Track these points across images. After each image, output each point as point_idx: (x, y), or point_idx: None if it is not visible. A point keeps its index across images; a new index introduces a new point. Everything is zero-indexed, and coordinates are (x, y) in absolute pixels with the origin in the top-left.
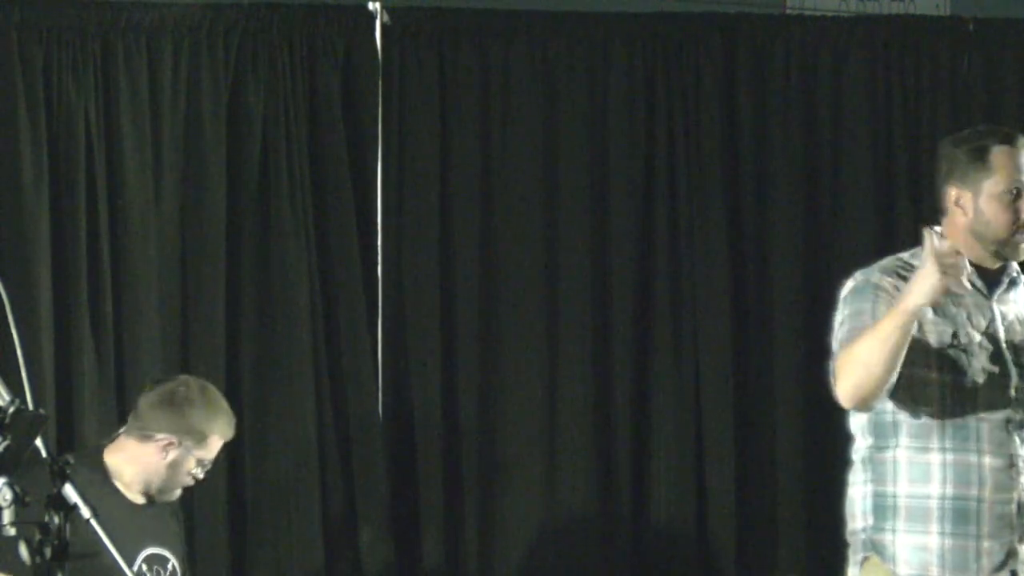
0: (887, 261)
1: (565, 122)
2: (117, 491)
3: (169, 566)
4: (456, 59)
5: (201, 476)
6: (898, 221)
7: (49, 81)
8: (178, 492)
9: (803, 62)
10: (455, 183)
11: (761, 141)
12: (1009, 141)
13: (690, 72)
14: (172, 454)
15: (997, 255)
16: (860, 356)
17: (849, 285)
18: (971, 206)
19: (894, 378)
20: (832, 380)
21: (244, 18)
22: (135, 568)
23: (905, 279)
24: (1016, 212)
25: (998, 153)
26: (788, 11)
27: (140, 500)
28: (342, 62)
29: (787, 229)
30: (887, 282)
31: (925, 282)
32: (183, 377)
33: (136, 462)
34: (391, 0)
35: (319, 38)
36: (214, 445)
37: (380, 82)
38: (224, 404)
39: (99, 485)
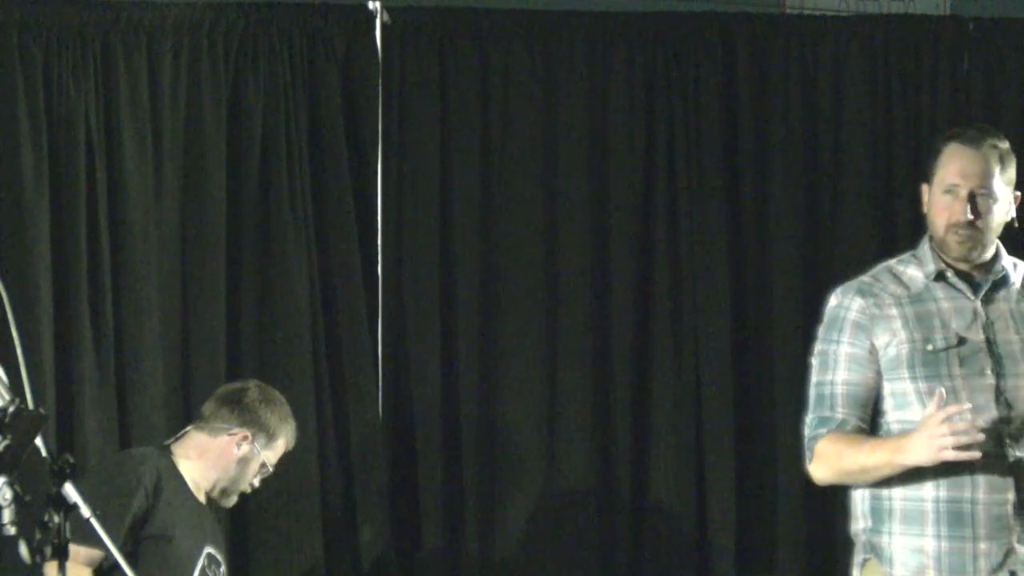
0: (875, 271)
1: (565, 122)
2: (187, 486)
3: (221, 570)
4: (456, 59)
5: (257, 484)
6: (898, 221)
7: (49, 81)
8: (234, 499)
9: (803, 62)
10: (455, 183)
11: (761, 141)
12: (966, 140)
13: (690, 72)
14: (244, 448)
15: (943, 252)
16: (840, 467)
17: (830, 304)
18: (927, 203)
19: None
20: (805, 456)
21: (244, 18)
22: (200, 562)
23: (876, 297)
24: (949, 212)
25: (947, 150)
26: (788, 11)
27: (202, 500)
28: (342, 62)
29: (787, 229)
30: (857, 305)
31: (919, 451)
32: (253, 381)
33: (207, 455)
34: (391, 0)
35: (319, 38)
36: (280, 450)
37: (380, 82)
38: (291, 413)
39: (175, 477)
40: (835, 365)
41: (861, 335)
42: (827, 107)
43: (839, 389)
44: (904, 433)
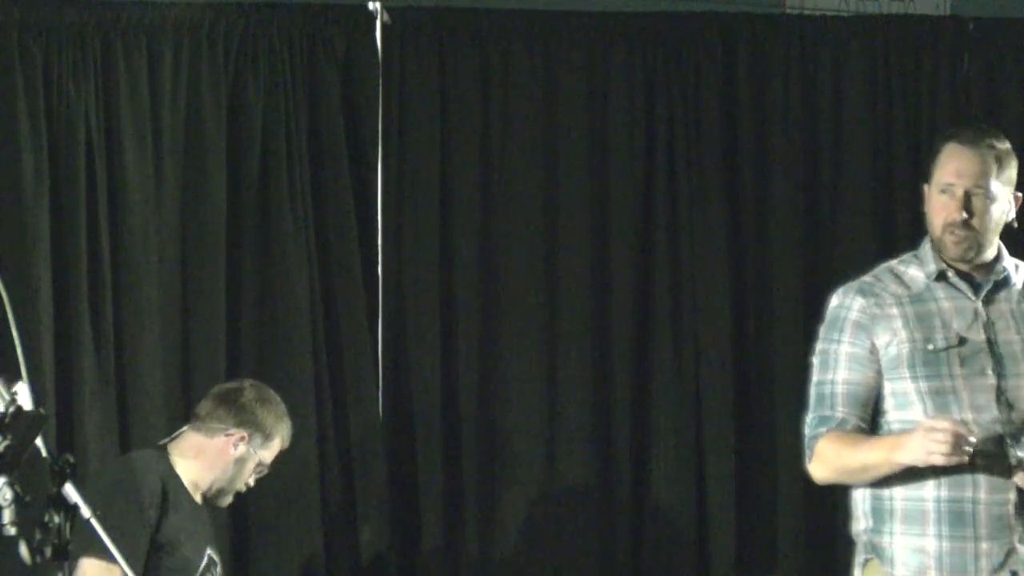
0: (876, 271)
1: (565, 122)
2: (185, 487)
3: (218, 570)
4: (456, 59)
5: (252, 484)
6: (898, 221)
7: (49, 81)
8: (230, 499)
9: (803, 62)
10: (455, 183)
11: (761, 141)
12: (964, 140)
13: (690, 72)
14: (241, 449)
15: (940, 252)
16: (840, 466)
17: (831, 304)
18: (926, 202)
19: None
20: (805, 455)
21: (244, 18)
22: (202, 565)
23: (877, 296)
24: (946, 211)
25: (945, 150)
26: (788, 11)
27: (199, 500)
28: (342, 62)
29: (787, 229)
30: (858, 305)
31: (914, 450)
32: (248, 380)
33: (204, 456)
34: (391, 0)
35: (319, 38)
36: (276, 449)
37: (380, 82)
38: (286, 411)
39: (174, 479)
40: (836, 364)
41: (862, 335)
42: (827, 107)
43: (839, 388)
44: (904, 432)
